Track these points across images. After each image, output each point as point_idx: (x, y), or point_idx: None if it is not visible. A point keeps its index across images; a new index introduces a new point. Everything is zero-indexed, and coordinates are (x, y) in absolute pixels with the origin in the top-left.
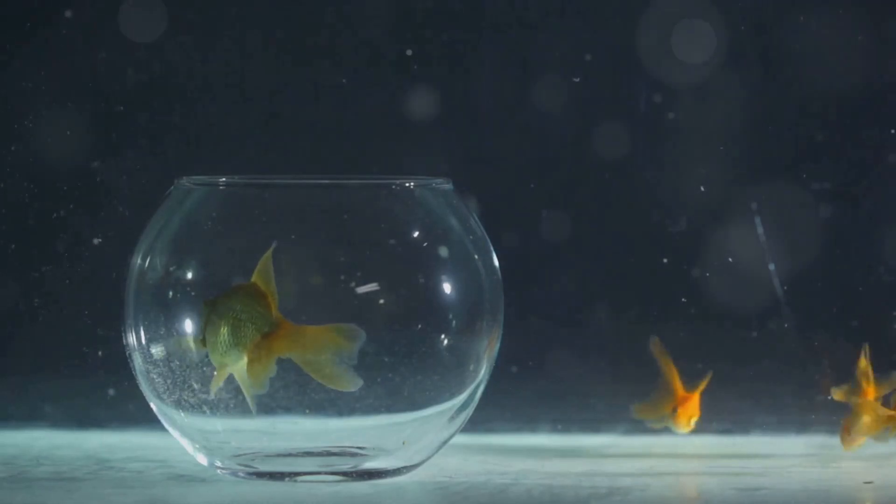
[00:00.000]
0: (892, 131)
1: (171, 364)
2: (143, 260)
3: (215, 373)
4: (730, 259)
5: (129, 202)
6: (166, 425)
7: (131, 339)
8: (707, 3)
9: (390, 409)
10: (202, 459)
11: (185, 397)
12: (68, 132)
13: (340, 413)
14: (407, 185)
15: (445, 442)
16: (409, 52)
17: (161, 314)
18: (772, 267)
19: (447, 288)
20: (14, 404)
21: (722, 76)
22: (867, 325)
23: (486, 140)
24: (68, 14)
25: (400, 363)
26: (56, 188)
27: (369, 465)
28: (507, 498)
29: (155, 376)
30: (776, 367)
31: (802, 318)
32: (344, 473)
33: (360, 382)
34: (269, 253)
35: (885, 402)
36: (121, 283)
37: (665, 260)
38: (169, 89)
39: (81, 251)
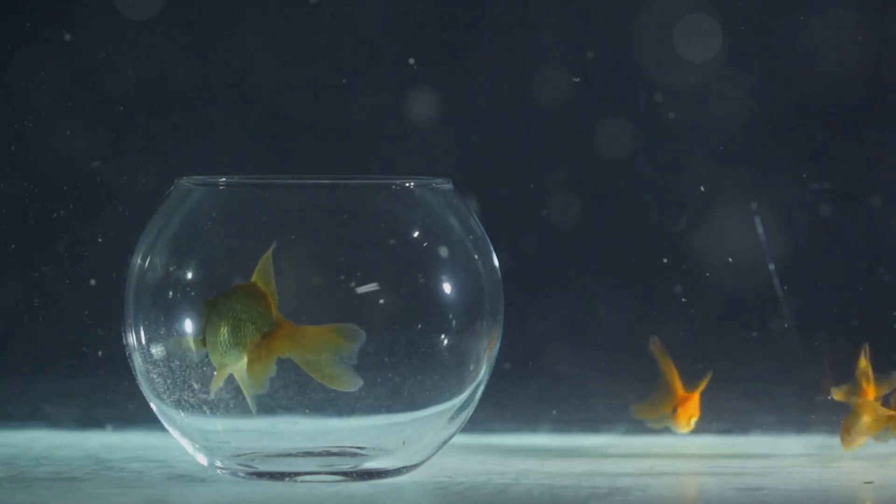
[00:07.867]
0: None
1: (171, 364)
2: (143, 260)
3: (215, 373)
4: (730, 259)
5: (129, 202)
6: (166, 425)
7: (131, 339)
8: (707, 2)
9: (390, 409)
10: (202, 459)
11: (185, 397)
12: (68, 132)
13: (340, 413)
14: (407, 185)
15: (445, 442)
16: (409, 57)
17: (161, 314)
18: (772, 267)
19: (447, 288)
20: (14, 404)
21: (722, 75)
22: (867, 325)
23: (486, 140)
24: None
25: (400, 363)
26: (56, 188)
27: (369, 465)
28: (507, 498)
29: (155, 376)
30: (776, 367)
31: (802, 318)
32: (344, 473)
33: (360, 382)
34: (269, 253)
35: (885, 402)
36: (121, 283)
37: (665, 260)
38: (169, 89)
39: (81, 251)
